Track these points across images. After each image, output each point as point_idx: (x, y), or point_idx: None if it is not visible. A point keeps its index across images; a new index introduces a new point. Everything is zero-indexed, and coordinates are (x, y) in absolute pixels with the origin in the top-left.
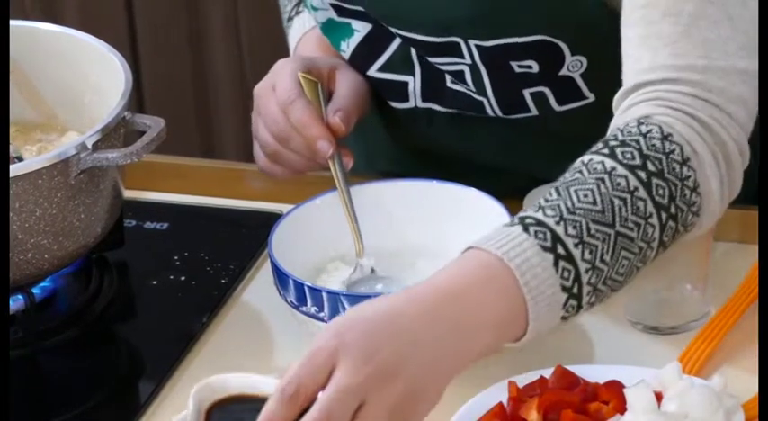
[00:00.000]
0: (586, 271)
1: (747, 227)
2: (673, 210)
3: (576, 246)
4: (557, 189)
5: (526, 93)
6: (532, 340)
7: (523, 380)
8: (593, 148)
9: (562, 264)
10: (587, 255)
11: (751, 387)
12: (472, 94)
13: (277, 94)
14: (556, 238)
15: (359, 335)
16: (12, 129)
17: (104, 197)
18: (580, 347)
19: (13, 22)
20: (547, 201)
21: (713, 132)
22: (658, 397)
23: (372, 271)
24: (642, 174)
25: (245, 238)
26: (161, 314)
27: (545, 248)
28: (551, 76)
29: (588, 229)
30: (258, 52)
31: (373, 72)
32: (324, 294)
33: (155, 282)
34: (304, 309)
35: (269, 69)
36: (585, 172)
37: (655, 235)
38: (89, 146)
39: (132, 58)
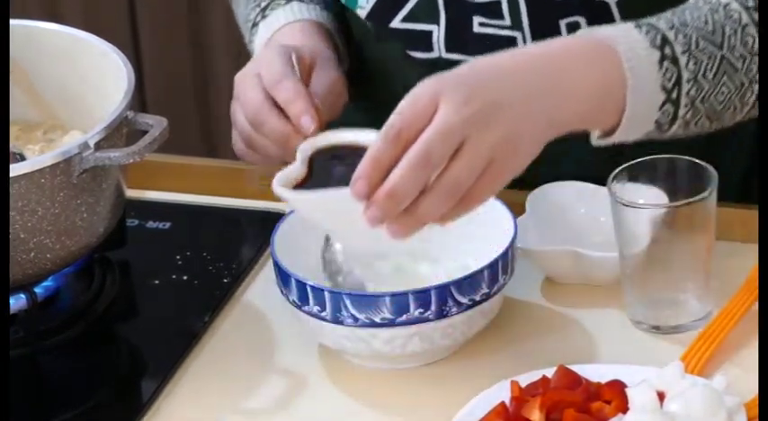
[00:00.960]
0: (688, 80)
1: (750, 226)
2: None
3: (683, 53)
4: (672, 11)
5: (562, 23)
6: (618, 139)
7: (526, 379)
8: None
9: (666, 64)
10: (692, 66)
11: (753, 386)
12: (504, 31)
13: (264, 77)
14: (665, 40)
15: (461, 80)
16: (14, 129)
17: (107, 196)
18: (582, 347)
19: (14, 22)
20: (659, 17)
21: None
22: (660, 396)
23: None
24: (755, 15)
25: (247, 238)
26: (163, 313)
27: (653, 45)
28: (589, 2)
29: (697, 43)
30: None
31: (396, 23)
32: (326, 293)
33: (157, 282)
34: (306, 308)
35: None
36: (701, 2)
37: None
38: (91, 145)
39: (135, 57)
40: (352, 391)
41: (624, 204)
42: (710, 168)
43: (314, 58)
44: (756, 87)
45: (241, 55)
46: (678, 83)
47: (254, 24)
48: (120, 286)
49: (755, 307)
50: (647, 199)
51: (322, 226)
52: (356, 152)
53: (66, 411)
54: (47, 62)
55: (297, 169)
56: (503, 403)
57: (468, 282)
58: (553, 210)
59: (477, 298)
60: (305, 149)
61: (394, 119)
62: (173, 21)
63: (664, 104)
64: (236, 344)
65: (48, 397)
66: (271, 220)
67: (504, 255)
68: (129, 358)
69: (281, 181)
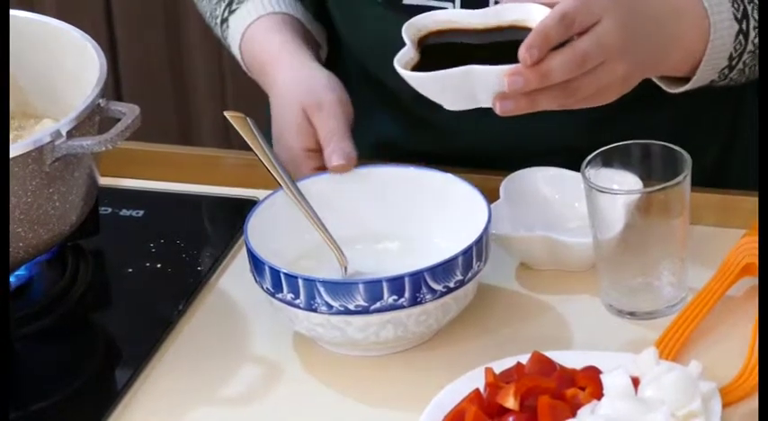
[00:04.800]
0: (749, 52)
1: (724, 211)
2: None
3: (753, 28)
4: None
5: None
6: (690, 86)
7: (500, 366)
8: None
9: (740, 37)
10: (756, 41)
11: (727, 372)
12: None
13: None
14: (745, 15)
15: (623, 1)
16: None
17: (79, 185)
18: (557, 333)
19: None
20: None
21: None
22: (635, 382)
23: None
24: None
25: (221, 225)
26: (137, 302)
27: (735, 19)
28: None
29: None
30: None
31: (408, 0)
32: (300, 281)
33: (130, 270)
34: (280, 295)
35: None
36: None
37: None
38: (64, 133)
39: (110, 45)
40: (327, 379)
41: (598, 190)
42: (684, 153)
43: (320, 103)
44: None
45: (219, 42)
46: (741, 54)
47: (224, 20)
48: (94, 274)
49: (730, 292)
50: (622, 184)
51: (433, 97)
52: (461, 33)
53: (40, 400)
54: (21, 51)
55: (409, 52)
56: (477, 390)
57: (442, 269)
58: (527, 196)
59: (452, 285)
60: (407, 30)
61: (568, 7)
62: (148, 8)
63: (723, 69)
64: (210, 332)
65: (22, 386)
66: (244, 208)
67: (479, 242)
68: (103, 346)
69: (400, 63)
